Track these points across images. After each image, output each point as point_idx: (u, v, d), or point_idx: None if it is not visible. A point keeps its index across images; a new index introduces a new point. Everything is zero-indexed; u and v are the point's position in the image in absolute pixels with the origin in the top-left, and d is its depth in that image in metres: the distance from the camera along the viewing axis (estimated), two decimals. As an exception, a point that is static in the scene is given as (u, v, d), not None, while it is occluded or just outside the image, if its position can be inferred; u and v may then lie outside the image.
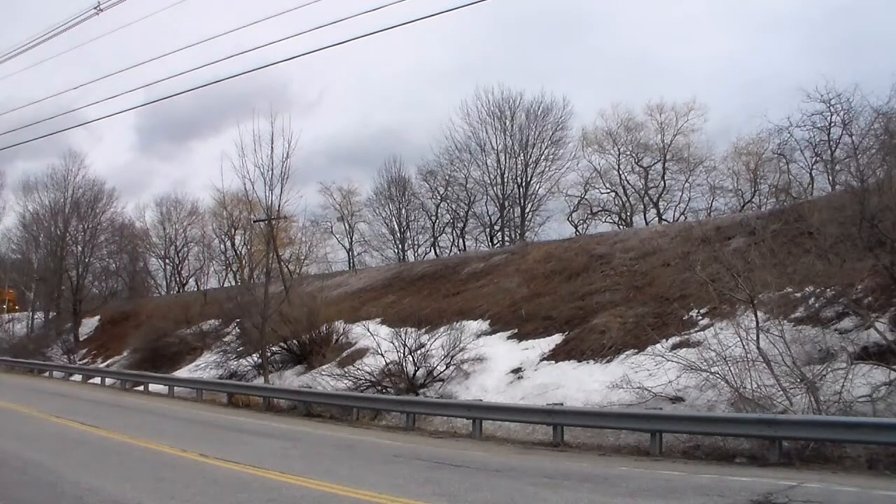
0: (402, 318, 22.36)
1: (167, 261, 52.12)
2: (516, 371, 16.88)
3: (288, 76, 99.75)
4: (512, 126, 37.97)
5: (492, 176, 38.54)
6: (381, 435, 13.77)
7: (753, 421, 10.42)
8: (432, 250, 41.40)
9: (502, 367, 17.28)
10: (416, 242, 42.98)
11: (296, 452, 10.77)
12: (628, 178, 37.77)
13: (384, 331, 20.58)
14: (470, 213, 40.31)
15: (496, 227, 39.61)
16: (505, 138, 38.07)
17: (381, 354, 18.43)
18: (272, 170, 22.09)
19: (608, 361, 15.55)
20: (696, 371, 12.34)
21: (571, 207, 38.57)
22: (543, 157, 37.97)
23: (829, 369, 11.10)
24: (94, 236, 44.49)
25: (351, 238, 45.09)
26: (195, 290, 46.51)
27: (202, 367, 25.10)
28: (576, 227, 38.18)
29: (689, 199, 36.11)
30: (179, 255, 51.65)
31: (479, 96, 38.71)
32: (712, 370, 12.03)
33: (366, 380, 18.07)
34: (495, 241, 38.63)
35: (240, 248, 43.78)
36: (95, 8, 14.20)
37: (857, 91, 26.84)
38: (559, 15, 70.13)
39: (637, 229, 27.75)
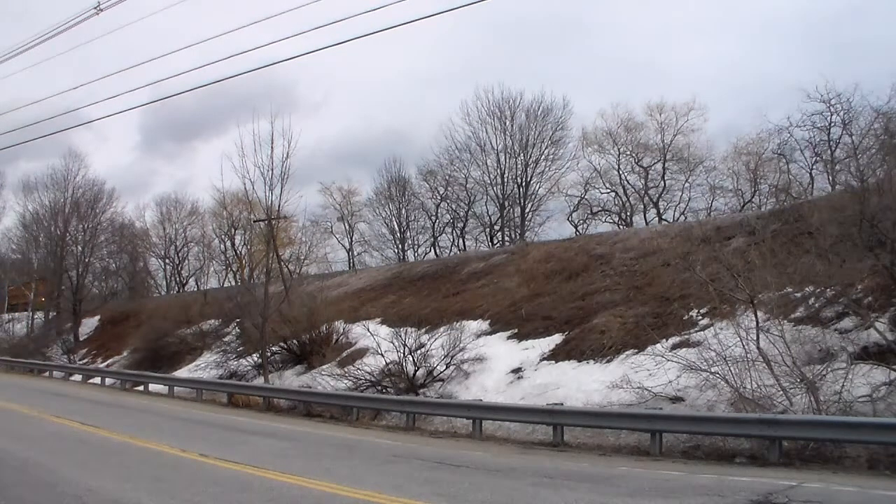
0: (402, 318, 22.35)
1: (167, 261, 52.23)
2: (516, 371, 16.88)
3: (294, 78, 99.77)
4: (512, 126, 38.08)
5: (492, 176, 38.63)
6: (381, 435, 13.77)
7: (753, 421, 10.41)
8: (432, 250, 41.47)
9: (502, 367, 17.28)
10: (416, 242, 43.08)
11: (296, 452, 10.77)
12: (628, 178, 37.85)
13: (384, 331, 20.58)
14: (470, 213, 40.39)
15: (496, 227, 39.64)
16: (505, 138, 38.19)
17: (381, 354, 18.43)
18: (272, 170, 22.19)
19: (608, 361, 15.55)
20: (696, 371, 12.34)
21: (571, 207, 38.65)
22: (543, 157, 38.07)
23: (829, 369, 11.09)
24: (94, 236, 44.50)
25: (351, 238, 45.18)
26: (195, 290, 46.54)
27: (202, 367, 25.10)
28: (576, 227, 38.26)
29: (689, 199, 36.19)
30: (179, 255, 51.75)
31: (480, 96, 38.87)
32: (712, 370, 12.03)
33: (366, 380, 18.07)
34: (495, 241, 38.65)
35: (240, 248, 43.85)
36: (95, 8, 14.21)
37: (857, 91, 27.10)
38: (559, 16, 70.22)
39: (637, 229, 27.73)
